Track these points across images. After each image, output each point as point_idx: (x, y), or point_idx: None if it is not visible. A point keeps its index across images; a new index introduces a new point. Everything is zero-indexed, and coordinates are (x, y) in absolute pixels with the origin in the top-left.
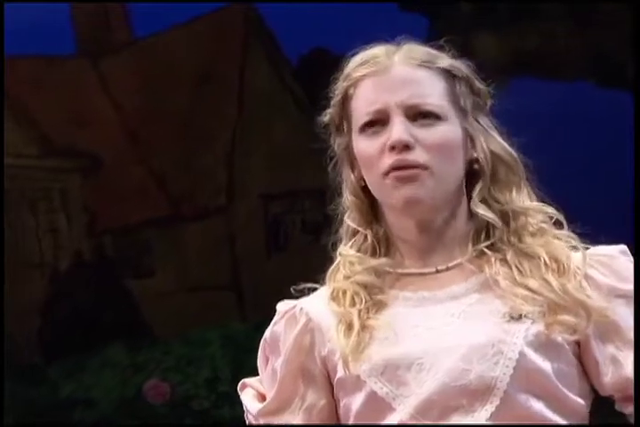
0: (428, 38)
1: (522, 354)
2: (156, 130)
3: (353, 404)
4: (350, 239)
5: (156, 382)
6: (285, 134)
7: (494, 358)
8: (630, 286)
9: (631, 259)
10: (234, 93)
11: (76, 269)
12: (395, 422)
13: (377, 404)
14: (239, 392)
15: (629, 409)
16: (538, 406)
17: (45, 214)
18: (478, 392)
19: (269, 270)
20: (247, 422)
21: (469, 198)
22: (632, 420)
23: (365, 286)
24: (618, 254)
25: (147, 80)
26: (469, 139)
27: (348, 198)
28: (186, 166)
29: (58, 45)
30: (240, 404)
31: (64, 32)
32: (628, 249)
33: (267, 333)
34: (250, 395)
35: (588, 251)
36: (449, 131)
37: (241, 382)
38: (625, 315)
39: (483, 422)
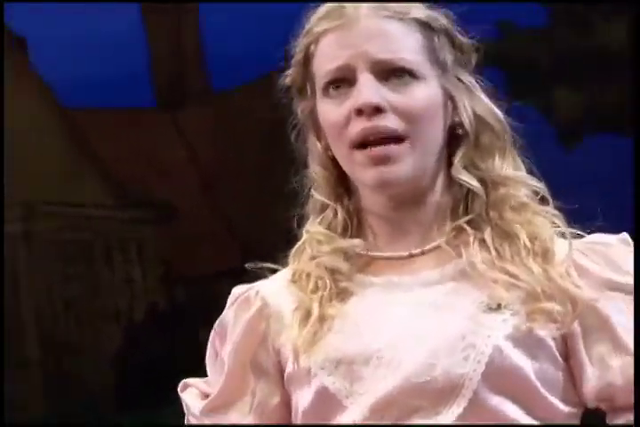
0: (508, 93)
1: (497, 348)
2: (231, 182)
3: (301, 402)
4: (319, 215)
5: None
6: None
7: (464, 353)
8: (628, 280)
9: (632, 249)
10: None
11: (150, 320)
12: (345, 423)
13: (327, 401)
14: (180, 393)
15: (620, 421)
16: (512, 410)
17: (121, 265)
18: (444, 391)
19: None
20: (187, 423)
21: (449, 166)
22: None
23: (332, 271)
24: (616, 243)
25: (222, 133)
26: (450, 100)
27: (314, 170)
28: (259, 218)
29: (137, 98)
30: None
31: (143, 85)
32: (629, 238)
33: (217, 322)
34: (192, 394)
35: (582, 239)
36: (427, 92)
37: (182, 383)
38: (619, 312)
39: (449, 424)
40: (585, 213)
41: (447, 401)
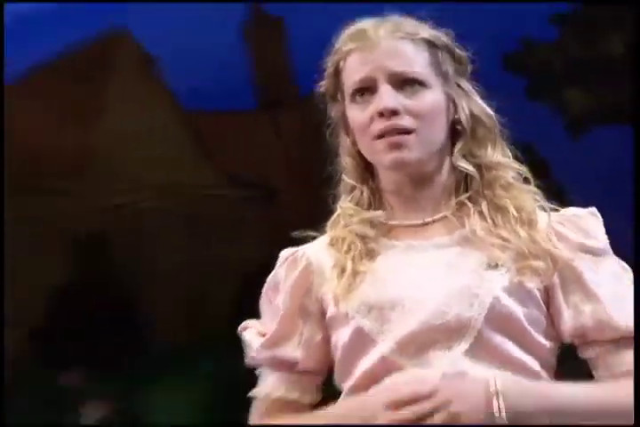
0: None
1: (496, 298)
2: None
3: (340, 338)
4: (349, 194)
5: None
6: None
7: (470, 301)
8: (597, 244)
9: (600, 220)
10: None
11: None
12: (376, 355)
13: (362, 338)
14: (239, 334)
15: (589, 354)
16: (508, 345)
17: (225, 243)
18: (455, 330)
19: None
20: (249, 359)
21: (451, 154)
22: (592, 365)
23: (361, 236)
24: (586, 214)
25: (314, 135)
26: (452, 103)
27: (345, 160)
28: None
29: (240, 101)
30: None
31: (246, 88)
32: (596, 211)
33: (269, 277)
34: (252, 333)
35: (558, 212)
36: (433, 98)
37: (242, 324)
38: (589, 269)
39: (458, 356)
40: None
41: (457, 338)
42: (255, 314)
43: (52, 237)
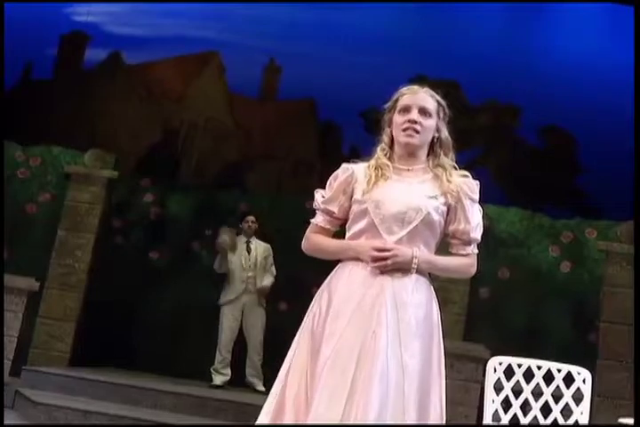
0: None
1: (427, 212)
2: None
3: (356, 209)
4: (382, 152)
5: None
6: None
7: (419, 212)
8: (474, 196)
9: (477, 184)
10: None
11: None
12: (368, 221)
13: (364, 212)
14: (315, 194)
15: (454, 242)
16: (427, 233)
17: None
18: (406, 222)
19: None
20: (316, 205)
21: (431, 146)
22: (452, 248)
23: (381, 168)
24: (473, 180)
25: None
26: (437, 127)
27: (384, 140)
28: None
29: None
30: None
31: None
32: (477, 182)
33: (335, 172)
34: (319, 195)
35: (461, 179)
36: (433, 122)
37: (315, 190)
38: (469, 205)
39: (405, 233)
40: None
41: (407, 225)
42: None
43: None
